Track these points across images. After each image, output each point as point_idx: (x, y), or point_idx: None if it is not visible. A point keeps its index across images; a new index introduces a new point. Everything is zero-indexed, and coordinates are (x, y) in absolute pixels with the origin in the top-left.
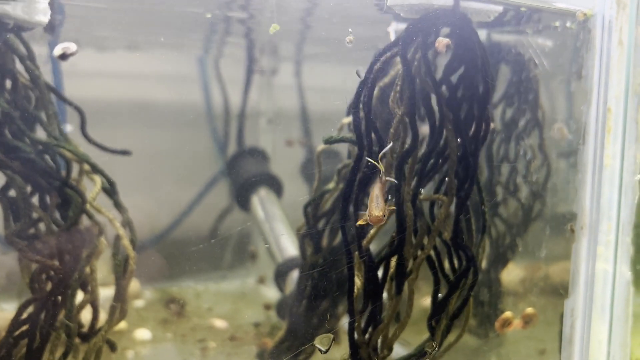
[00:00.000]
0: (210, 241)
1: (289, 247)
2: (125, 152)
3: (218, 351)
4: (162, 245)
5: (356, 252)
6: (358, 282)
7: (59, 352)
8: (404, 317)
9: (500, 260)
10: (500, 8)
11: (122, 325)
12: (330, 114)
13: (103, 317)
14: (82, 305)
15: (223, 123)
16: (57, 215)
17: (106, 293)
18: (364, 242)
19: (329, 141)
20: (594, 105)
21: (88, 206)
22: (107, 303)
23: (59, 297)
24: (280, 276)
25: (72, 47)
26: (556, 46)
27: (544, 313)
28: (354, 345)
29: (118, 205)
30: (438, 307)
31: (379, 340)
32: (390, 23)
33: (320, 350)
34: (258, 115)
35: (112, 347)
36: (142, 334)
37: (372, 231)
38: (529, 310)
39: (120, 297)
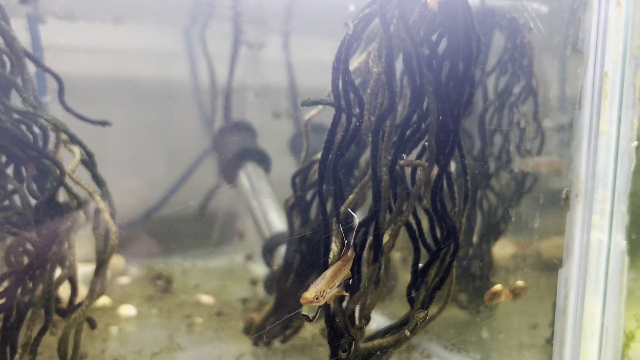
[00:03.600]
0: (201, 219)
1: (277, 222)
2: (104, 123)
3: (205, 327)
4: (150, 222)
5: (333, 219)
6: (335, 248)
7: (36, 328)
8: (380, 285)
9: (492, 233)
10: None
11: (107, 301)
12: (322, 87)
13: (84, 292)
14: (60, 280)
15: (210, 97)
16: (34, 187)
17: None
18: (342, 208)
19: (305, 103)
20: (590, 69)
21: (67, 178)
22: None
23: (36, 272)
24: (267, 251)
25: None
26: (552, 9)
27: (536, 287)
28: (329, 314)
29: (97, 178)
30: (417, 277)
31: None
32: None
33: (307, 318)
34: (245, 89)
35: (92, 323)
36: (127, 310)
37: (350, 197)
38: (519, 283)
39: (101, 272)
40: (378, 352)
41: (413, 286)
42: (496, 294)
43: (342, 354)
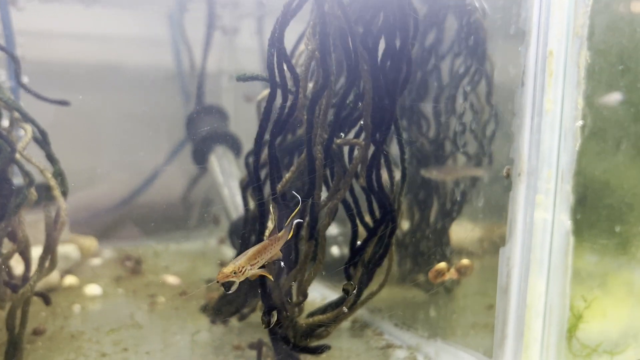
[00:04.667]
0: (181, 204)
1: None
2: (63, 102)
3: (166, 305)
4: (128, 206)
5: (270, 196)
6: (270, 226)
7: None
8: (317, 263)
9: (447, 214)
10: None
11: (74, 281)
12: None
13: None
14: (9, 255)
15: (185, 81)
16: None
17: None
18: (278, 186)
19: (241, 78)
20: (533, 47)
21: (18, 155)
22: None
23: None
24: (234, 233)
25: None
26: None
27: (491, 269)
28: (265, 290)
29: (50, 157)
30: (355, 254)
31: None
32: None
33: (225, 287)
34: (220, 73)
35: (46, 299)
36: (92, 289)
37: (287, 175)
38: (464, 261)
39: (50, 249)
40: (318, 329)
41: (351, 263)
42: (440, 272)
43: (277, 328)
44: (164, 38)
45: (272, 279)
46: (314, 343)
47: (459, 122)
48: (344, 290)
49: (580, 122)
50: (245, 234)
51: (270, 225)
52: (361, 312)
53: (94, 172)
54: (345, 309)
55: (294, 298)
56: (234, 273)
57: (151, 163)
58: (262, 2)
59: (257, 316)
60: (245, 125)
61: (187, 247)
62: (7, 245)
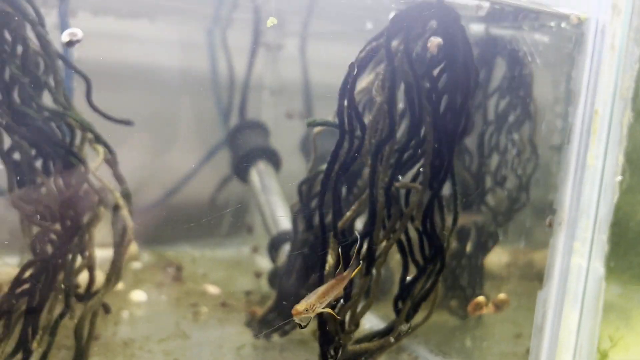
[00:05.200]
0: (212, 209)
1: (283, 220)
2: (127, 122)
3: (209, 316)
4: (162, 209)
5: (331, 232)
6: (330, 261)
7: (56, 311)
8: (371, 296)
9: (483, 246)
10: (486, 4)
11: (120, 286)
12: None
13: (100, 277)
14: (79, 269)
15: (227, 95)
16: (60, 182)
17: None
18: (340, 223)
19: (311, 124)
20: (581, 106)
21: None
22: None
23: (58, 261)
24: (273, 248)
25: (78, 33)
26: (550, 45)
27: (522, 299)
28: (322, 320)
29: (118, 176)
30: (404, 289)
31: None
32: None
33: (299, 325)
34: (261, 88)
35: (107, 309)
36: (138, 295)
37: (348, 213)
38: (501, 296)
39: (117, 265)
40: (365, 356)
41: (400, 297)
42: (479, 305)
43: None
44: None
45: (339, 318)
46: None
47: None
48: (399, 332)
49: (619, 177)
50: (292, 255)
51: (330, 260)
52: None
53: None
54: (392, 339)
55: (347, 327)
56: (306, 310)
57: (186, 166)
58: (306, 23)
59: (298, 333)
60: (285, 142)
61: (222, 255)
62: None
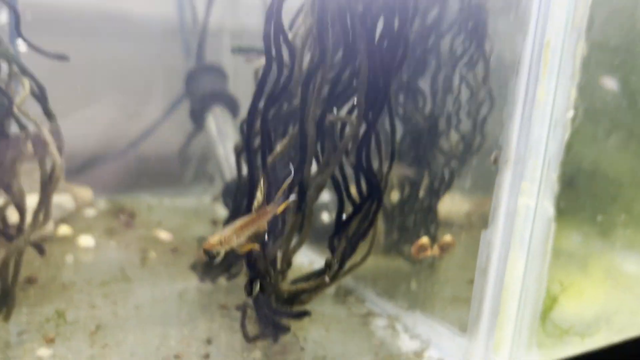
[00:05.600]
0: (176, 160)
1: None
2: (62, 57)
3: (158, 261)
4: (124, 159)
5: (261, 169)
6: (259, 197)
7: None
8: (303, 233)
9: (436, 190)
10: None
11: (68, 231)
12: None
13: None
14: (4, 206)
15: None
16: None
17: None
18: (269, 158)
19: (235, 50)
20: (530, 37)
21: (15, 110)
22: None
23: None
24: (228, 194)
25: None
26: None
27: (477, 245)
28: (250, 258)
29: (47, 112)
30: (340, 227)
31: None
32: None
33: (210, 255)
34: (221, 31)
35: (41, 250)
36: (86, 240)
37: (278, 148)
38: (447, 237)
39: (45, 202)
40: (301, 296)
41: (335, 236)
42: (423, 247)
43: (260, 294)
44: None
45: (258, 250)
46: (297, 308)
47: (454, 101)
48: (325, 264)
49: (571, 113)
50: (237, 198)
51: (259, 196)
52: (346, 279)
53: (91, 122)
54: (327, 279)
55: (279, 266)
56: (220, 243)
57: (149, 116)
58: None
59: (244, 277)
60: (244, 87)
61: (181, 204)
62: (2, 196)
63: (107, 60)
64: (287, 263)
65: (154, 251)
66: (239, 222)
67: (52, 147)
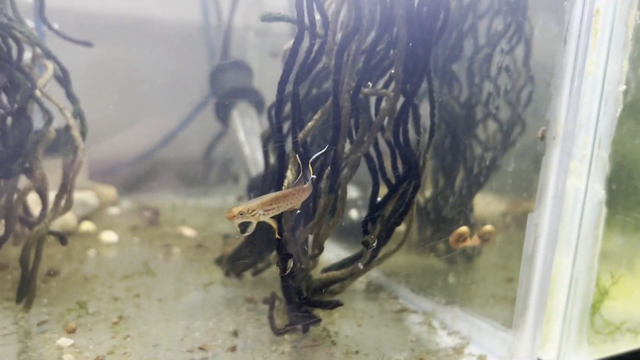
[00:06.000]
0: (202, 162)
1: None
2: (87, 44)
3: (181, 256)
4: (149, 160)
5: (291, 147)
6: (290, 176)
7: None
8: (335, 216)
9: (473, 183)
10: None
11: (91, 227)
12: None
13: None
14: (26, 191)
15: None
16: (4, 99)
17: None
18: (300, 135)
19: (266, 18)
20: (579, 5)
21: (38, 93)
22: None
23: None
24: (253, 189)
25: None
26: None
27: (515, 245)
28: (281, 242)
29: (70, 95)
30: (374, 210)
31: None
32: None
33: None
34: (247, 29)
35: (63, 239)
36: (108, 236)
37: (310, 123)
38: (487, 227)
39: (67, 188)
40: (332, 285)
41: (369, 220)
42: (462, 236)
43: (290, 280)
44: None
45: (277, 232)
46: (327, 299)
47: (493, 85)
48: (363, 243)
49: (623, 87)
50: (265, 187)
51: (289, 175)
52: (377, 275)
53: (117, 124)
54: (360, 266)
55: (310, 251)
56: (241, 214)
57: (174, 118)
58: None
59: (270, 272)
60: (270, 83)
61: (206, 203)
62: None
63: (131, 64)
64: (319, 247)
65: (178, 247)
66: (268, 196)
67: (75, 131)
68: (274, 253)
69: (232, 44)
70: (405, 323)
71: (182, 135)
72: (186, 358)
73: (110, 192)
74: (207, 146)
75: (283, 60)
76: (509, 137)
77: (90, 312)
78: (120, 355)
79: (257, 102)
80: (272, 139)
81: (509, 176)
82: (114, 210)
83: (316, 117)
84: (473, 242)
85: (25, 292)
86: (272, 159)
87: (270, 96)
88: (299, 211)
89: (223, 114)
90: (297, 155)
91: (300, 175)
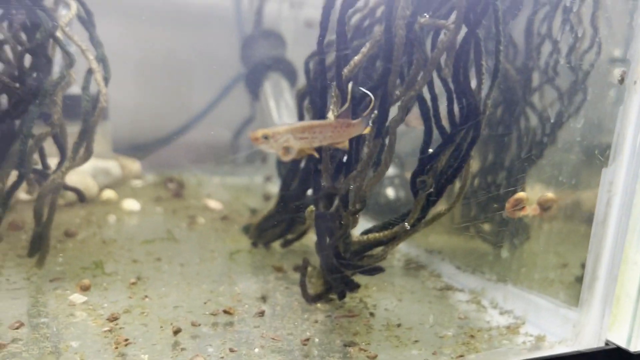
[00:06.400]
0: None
1: None
2: None
3: (207, 227)
4: (176, 137)
5: (334, 84)
6: (331, 116)
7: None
8: (382, 166)
9: (525, 159)
10: None
11: (112, 195)
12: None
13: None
14: (42, 137)
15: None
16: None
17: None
18: (345, 70)
19: None
20: None
21: (59, 33)
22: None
23: (14, 121)
24: (282, 163)
25: None
26: None
27: (573, 234)
28: (319, 192)
29: (94, 39)
30: (425, 163)
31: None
32: None
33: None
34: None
35: (81, 195)
36: (130, 204)
37: (356, 57)
38: (549, 195)
39: (87, 135)
40: (373, 248)
41: (419, 173)
42: (519, 203)
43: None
44: None
45: (317, 156)
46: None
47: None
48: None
49: None
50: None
51: (332, 109)
52: (417, 253)
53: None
54: (407, 226)
55: (350, 205)
56: (265, 137)
57: (204, 97)
58: None
59: (300, 244)
60: (303, 54)
61: (232, 182)
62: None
63: (165, 47)
64: (361, 202)
65: (202, 218)
66: (303, 123)
67: (98, 75)
68: (311, 207)
69: (265, 16)
70: (450, 301)
71: (213, 115)
72: (209, 321)
73: (134, 165)
74: (236, 128)
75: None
76: (567, 109)
77: (107, 272)
78: (137, 314)
79: (290, 73)
80: (309, 95)
81: (577, 133)
82: (137, 183)
83: (364, 49)
84: (532, 211)
85: (38, 247)
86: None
87: (302, 69)
88: (345, 156)
89: (254, 85)
90: (340, 91)
91: (346, 106)
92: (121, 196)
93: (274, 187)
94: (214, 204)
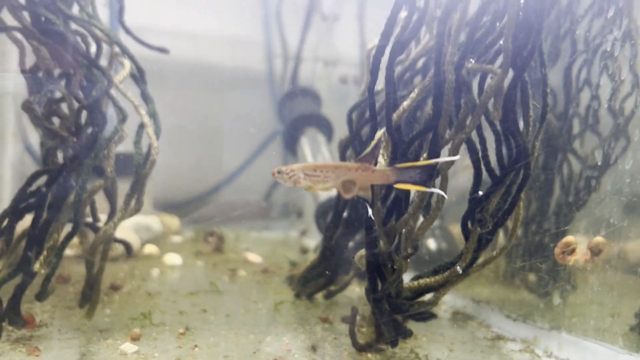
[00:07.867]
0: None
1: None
2: (163, 50)
3: (247, 279)
4: (215, 195)
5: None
6: (382, 160)
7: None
8: (434, 209)
9: (570, 206)
10: None
11: (154, 250)
12: None
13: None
14: (94, 189)
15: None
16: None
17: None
18: (394, 115)
19: None
20: None
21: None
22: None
23: (71, 175)
24: (320, 216)
25: None
26: None
27: (620, 285)
28: (371, 236)
29: (146, 95)
30: (476, 206)
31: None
32: None
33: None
34: (315, 59)
35: (128, 248)
36: (172, 258)
37: (405, 103)
38: (598, 239)
39: (138, 187)
40: (424, 293)
41: (470, 216)
42: (569, 246)
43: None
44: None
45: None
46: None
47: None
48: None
49: None
50: (338, 208)
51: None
52: (464, 303)
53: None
54: (459, 270)
55: (402, 250)
56: (279, 172)
57: (237, 158)
58: None
59: (344, 296)
60: (338, 111)
61: (268, 236)
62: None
63: (201, 108)
64: (413, 246)
65: (243, 271)
66: (321, 162)
67: (149, 129)
68: (361, 252)
69: (300, 75)
70: (502, 351)
71: (247, 175)
72: None
73: (173, 221)
74: (269, 186)
75: (367, 59)
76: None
77: (155, 323)
78: None
79: (326, 129)
80: (350, 145)
81: (626, 175)
82: (176, 239)
83: (413, 95)
84: (583, 256)
85: (88, 297)
86: None
87: (337, 125)
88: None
89: (291, 142)
90: (388, 136)
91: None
92: (162, 251)
93: (310, 241)
94: (253, 257)
